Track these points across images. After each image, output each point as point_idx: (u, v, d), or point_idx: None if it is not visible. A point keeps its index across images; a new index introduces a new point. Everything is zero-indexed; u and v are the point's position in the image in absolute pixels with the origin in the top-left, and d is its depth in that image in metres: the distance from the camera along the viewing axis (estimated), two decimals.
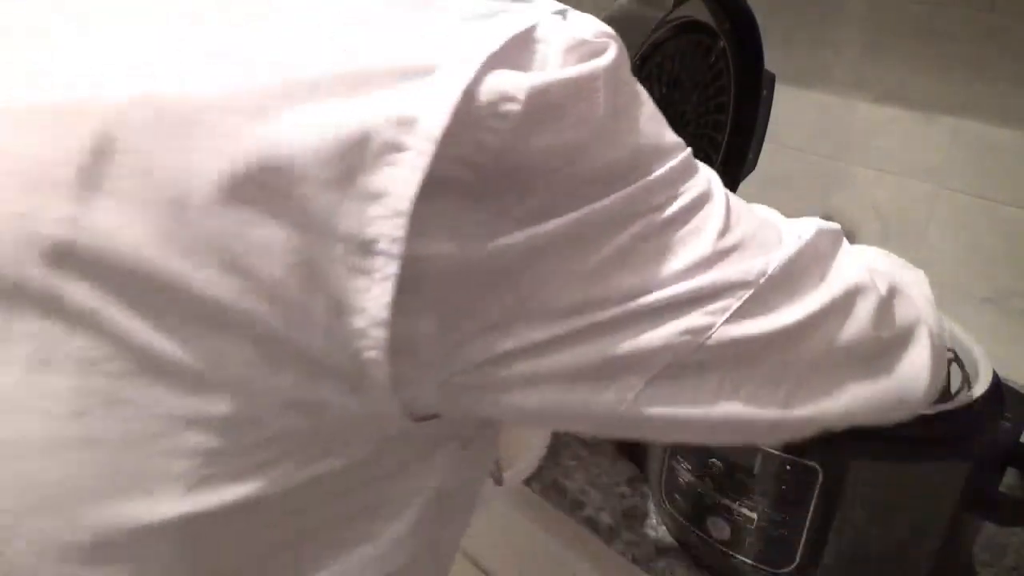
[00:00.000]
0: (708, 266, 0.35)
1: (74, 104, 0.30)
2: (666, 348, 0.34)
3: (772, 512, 0.65)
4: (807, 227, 0.39)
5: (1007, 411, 0.65)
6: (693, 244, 0.34)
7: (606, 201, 0.32)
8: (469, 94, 0.28)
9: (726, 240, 0.35)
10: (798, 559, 0.65)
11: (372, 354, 0.30)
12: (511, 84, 0.29)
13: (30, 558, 0.32)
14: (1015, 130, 0.91)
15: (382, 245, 0.29)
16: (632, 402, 0.35)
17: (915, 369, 0.43)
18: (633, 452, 0.89)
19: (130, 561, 0.33)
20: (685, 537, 0.75)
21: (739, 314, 0.35)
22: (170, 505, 0.32)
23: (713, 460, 0.68)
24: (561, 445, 0.90)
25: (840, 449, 0.61)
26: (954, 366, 0.71)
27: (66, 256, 0.30)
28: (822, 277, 0.39)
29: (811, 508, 0.63)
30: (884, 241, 1.04)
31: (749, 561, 0.68)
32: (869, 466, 0.62)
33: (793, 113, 1.06)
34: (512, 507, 0.94)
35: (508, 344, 0.33)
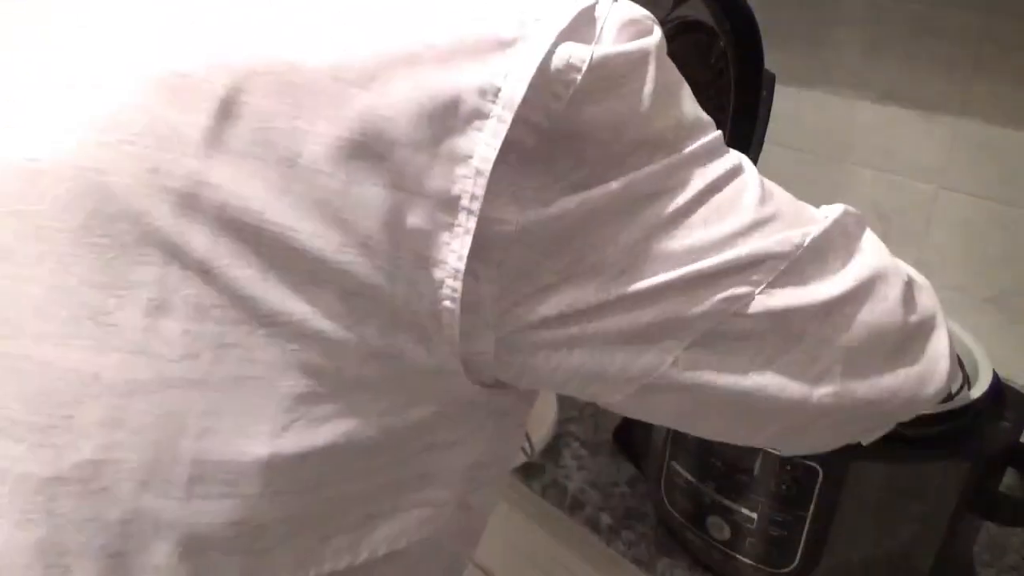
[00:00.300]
0: (748, 235, 0.37)
1: (202, 70, 0.32)
2: (705, 315, 0.36)
3: (772, 512, 0.65)
4: (835, 207, 0.41)
5: (1007, 411, 0.65)
6: (734, 213, 0.37)
7: (652, 167, 0.35)
8: (544, 65, 0.32)
9: (764, 210, 0.37)
10: (798, 559, 0.65)
11: (447, 304, 0.34)
12: (576, 55, 0.32)
13: (134, 491, 0.34)
14: (1015, 130, 0.91)
15: (464, 202, 0.32)
16: (669, 366, 0.37)
17: (937, 358, 0.44)
18: (633, 452, 0.89)
19: (221, 498, 0.35)
20: (685, 537, 0.75)
21: (775, 284, 0.37)
22: (260, 446, 0.35)
23: (713, 460, 0.68)
24: (561, 445, 0.90)
25: (840, 449, 0.61)
26: None
27: (189, 208, 0.32)
28: (850, 257, 0.41)
29: (811, 508, 0.63)
30: (884, 241, 1.03)
31: (749, 561, 0.68)
32: (869, 466, 0.62)
33: (793, 113, 1.06)
34: (512, 507, 0.94)
35: (559, 306, 0.35)
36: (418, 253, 0.33)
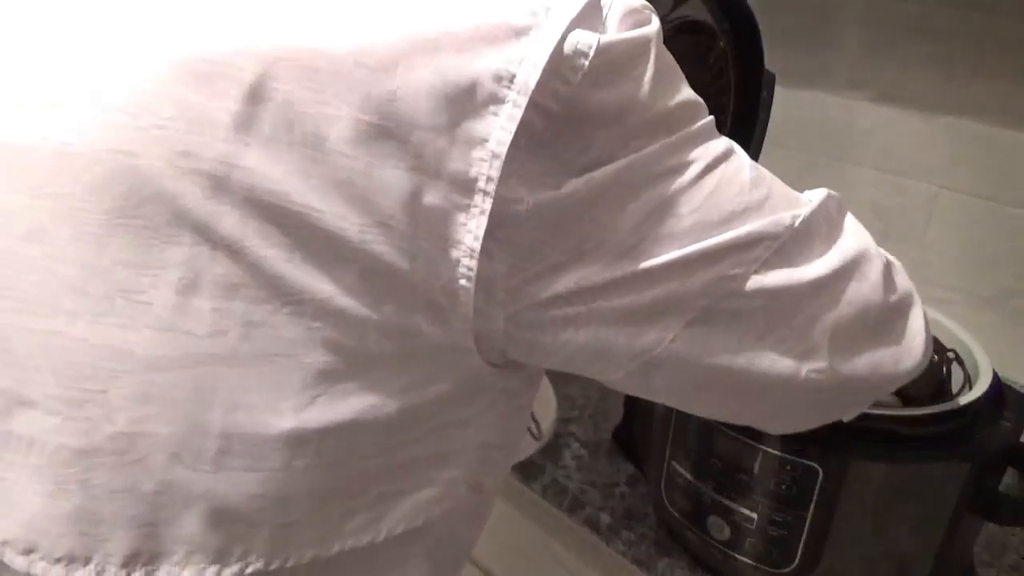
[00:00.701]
0: (745, 215, 0.38)
1: (230, 56, 0.33)
2: (704, 293, 0.38)
3: (772, 512, 0.65)
4: (818, 192, 0.43)
5: (1007, 411, 0.65)
6: (731, 193, 0.38)
7: (655, 148, 0.36)
8: (555, 52, 0.33)
9: (758, 192, 0.39)
10: (798, 559, 0.65)
11: (463, 283, 0.35)
12: (584, 41, 0.33)
13: (166, 463, 0.36)
14: (1015, 130, 0.91)
15: (480, 184, 0.33)
16: (669, 343, 0.39)
17: (914, 335, 0.46)
18: (633, 452, 0.89)
19: (248, 471, 0.36)
20: (685, 537, 0.75)
21: (768, 264, 0.39)
22: (286, 420, 0.36)
23: (713, 460, 0.68)
24: (561, 445, 0.90)
25: (840, 449, 0.61)
26: (954, 366, 0.71)
27: (219, 190, 0.33)
28: (834, 238, 0.43)
29: (811, 508, 0.63)
30: (884, 241, 1.03)
31: (749, 561, 0.68)
32: (869, 466, 0.62)
33: (793, 113, 1.06)
34: (512, 507, 0.94)
35: (568, 284, 0.36)
36: (436, 233, 0.34)
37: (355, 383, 0.37)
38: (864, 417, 0.60)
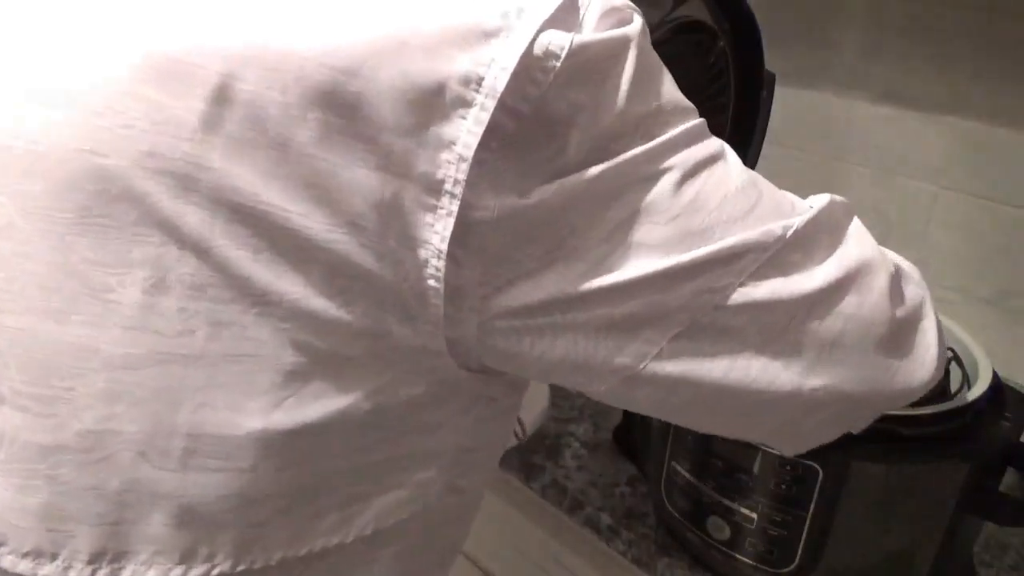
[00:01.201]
0: (729, 225, 0.36)
1: (196, 55, 0.33)
2: (687, 307, 0.36)
3: (772, 512, 0.65)
4: (821, 197, 0.41)
5: (1007, 411, 0.65)
6: (715, 202, 0.36)
7: (631, 154, 0.35)
8: (526, 54, 0.32)
9: (746, 200, 0.37)
10: (798, 559, 0.65)
11: (432, 283, 0.34)
12: (556, 42, 0.32)
13: (132, 462, 0.36)
14: (1015, 130, 0.91)
15: (448, 186, 0.33)
16: (653, 358, 0.37)
17: (926, 347, 0.44)
18: (633, 452, 0.89)
19: (215, 471, 0.36)
20: (685, 537, 0.75)
21: (758, 276, 0.37)
22: (254, 421, 0.36)
23: (713, 460, 0.68)
24: (561, 445, 0.90)
25: (840, 449, 0.61)
26: (954, 366, 0.71)
27: (186, 190, 0.33)
28: (835, 248, 0.40)
29: (811, 508, 0.63)
30: (884, 241, 1.03)
31: (749, 561, 0.68)
32: (869, 466, 0.62)
33: (793, 113, 1.06)
34: (512, 507, 0.94)
35: (540, 294, 0.36)
36: (404, 233, 0.34)
37: (325, 384, 0.36)
38: None
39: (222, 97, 0.32)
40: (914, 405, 0.64)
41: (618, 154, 0.34)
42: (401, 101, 0.32)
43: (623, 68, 0.34)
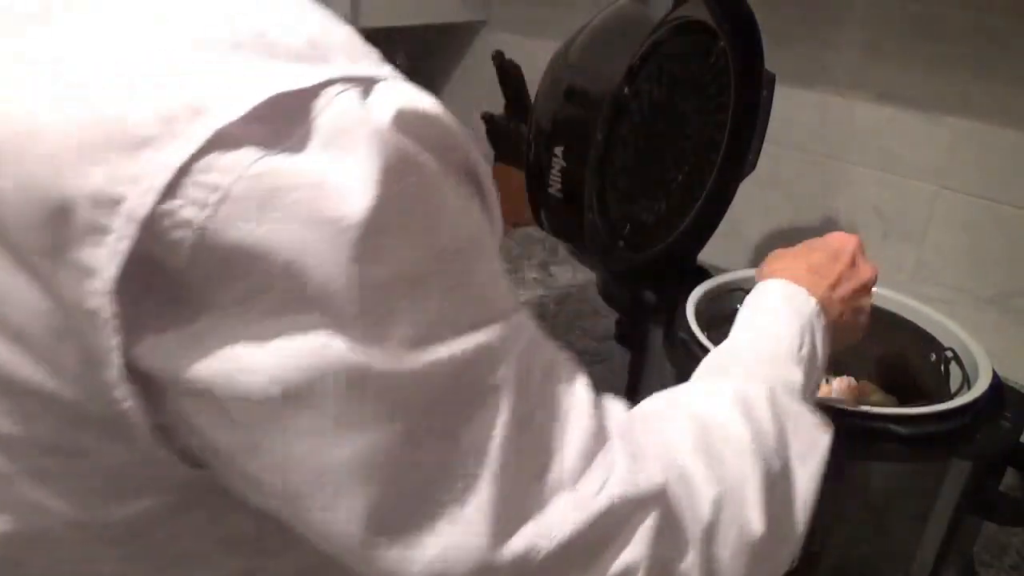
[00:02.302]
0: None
1: None
2: None
3: None
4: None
5: (1007, 411, 0.65)
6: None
7: (316, 340, 0.29)
8: (182, 171, 0.26)
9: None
10: (798, 559, 0.65)
11: (127, 404, 0.30)
12: (239, 161, 0.27)
13: None
14: (1015, 130, 0.91)
15: (104, 316, 0.28)
16: None
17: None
18: None
19: None
20: None
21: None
22: None
23: None
24: None
25: (840, 449, 0.61)
26: (954, 366, 0.71)
27: None
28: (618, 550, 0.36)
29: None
30: (884, 241, 1.04)
31: None
32: (869, 466, 0.62)
33: (793, 113, 1.06)
34: None
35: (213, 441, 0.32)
36: (84, 351, 0.29)
37: (25, 498, 0.33)
38: (864, 417, 0.60)
39: None
40: (914, 405, 0.64)
41: (296, 333, 0.28)
42: (26, 215, 0.27)
43: (324, 210, 0.27)
